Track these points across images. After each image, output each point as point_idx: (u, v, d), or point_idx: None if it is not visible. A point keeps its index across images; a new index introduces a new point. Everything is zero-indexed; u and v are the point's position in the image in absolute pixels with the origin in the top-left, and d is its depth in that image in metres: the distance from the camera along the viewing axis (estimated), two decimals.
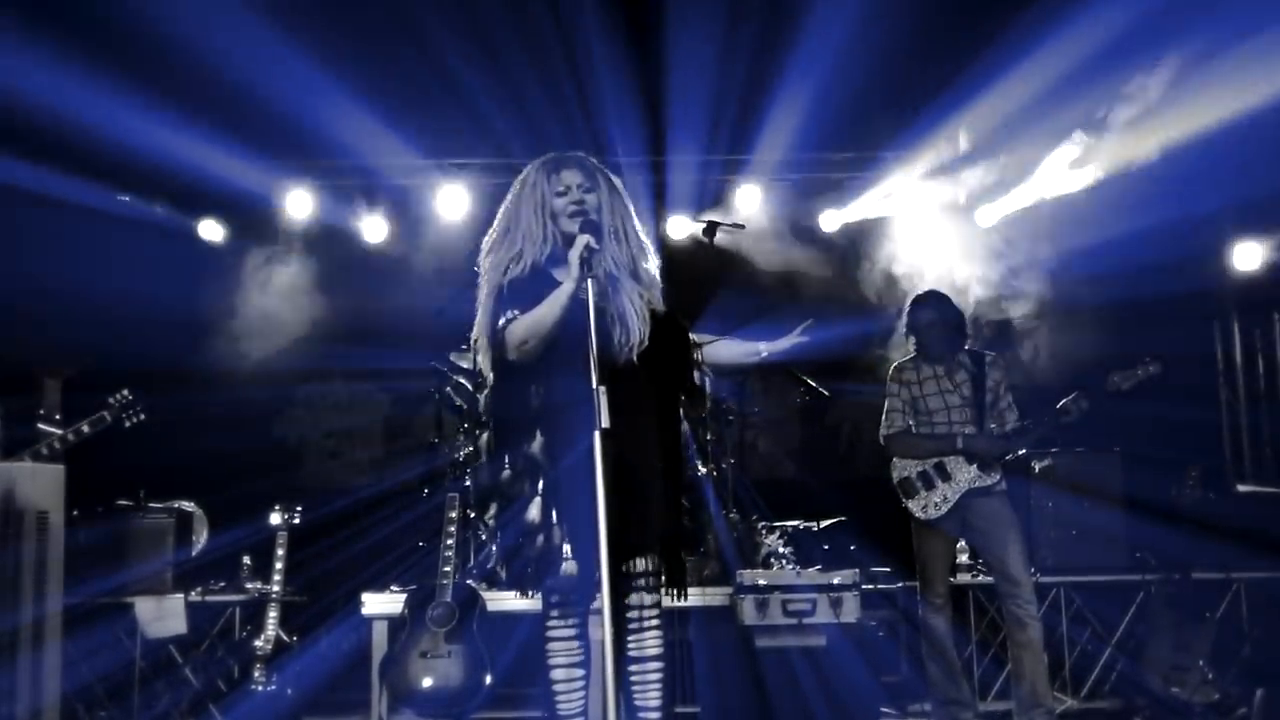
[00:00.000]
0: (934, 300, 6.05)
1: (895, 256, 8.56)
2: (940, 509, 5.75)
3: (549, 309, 3.78)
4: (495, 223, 4.10)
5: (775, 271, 8.65)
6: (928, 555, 5.86)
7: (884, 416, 6.00)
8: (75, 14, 6.22)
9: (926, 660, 5.90)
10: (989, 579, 6.63)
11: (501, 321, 3.87)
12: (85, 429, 5.99)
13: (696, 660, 6.11)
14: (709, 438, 7.15)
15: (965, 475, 5.74)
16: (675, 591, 4.00)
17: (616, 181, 4.09)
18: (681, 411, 4.20)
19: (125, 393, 6.09)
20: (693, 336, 6.93)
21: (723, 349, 7.35)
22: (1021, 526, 5.77)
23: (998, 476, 5.75)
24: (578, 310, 3.67)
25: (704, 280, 7.20)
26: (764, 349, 7.61)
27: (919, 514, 5.80)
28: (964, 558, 6.89)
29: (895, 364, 6.08)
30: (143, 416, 6.10)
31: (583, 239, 3.78)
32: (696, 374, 6.96)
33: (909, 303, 6.11)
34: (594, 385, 3.48)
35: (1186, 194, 7.02)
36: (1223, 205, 7.18)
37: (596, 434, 3.43)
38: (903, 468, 5.88)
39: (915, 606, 6.06)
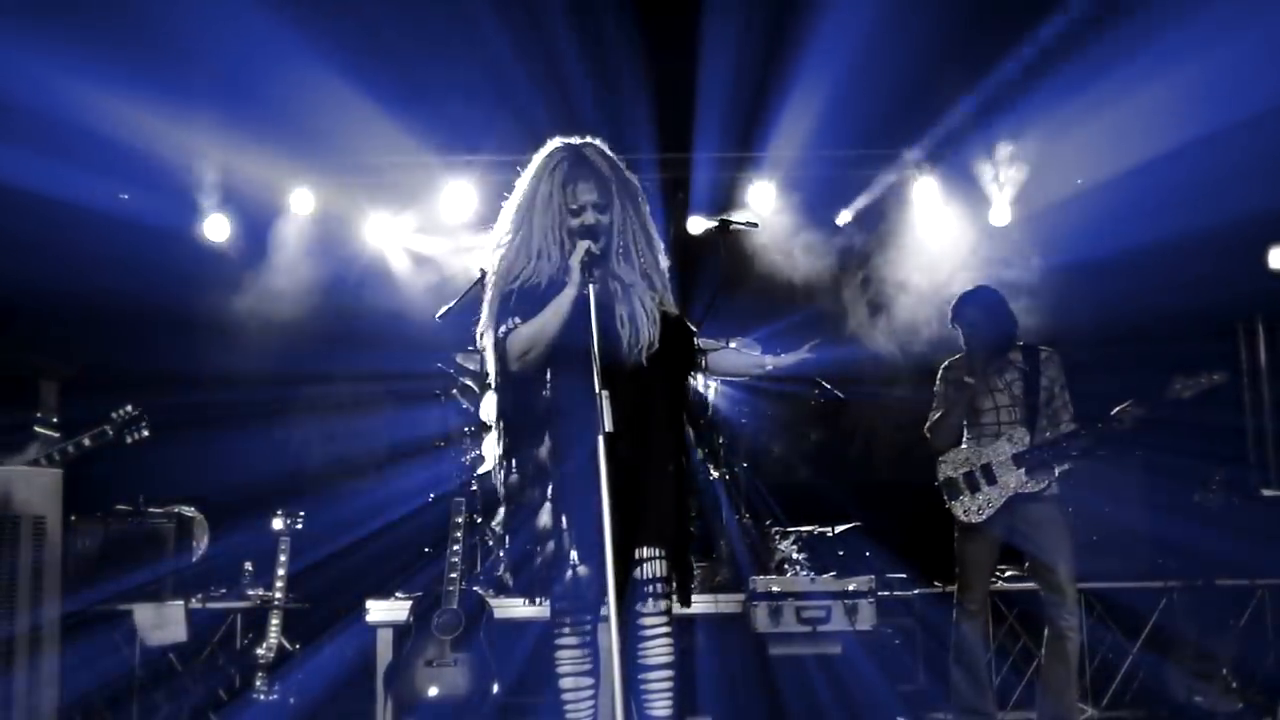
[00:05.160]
0: (982, 297, 5.88)
1: (908, 257, 8.48)
2: (983, 513, 5.61)
3: (550, 318, 3.75)
4: (505, 217, 4.02)
5: (787, 274, 8.56)
6: (968, 559, 5.71)
7: (930, 415, 5.88)
8: (75, 8, 6.15)
9: (952, 666, 5.75)
10: (1008, 585, 6.55)
11: (502, 330, 3.83)
12: (86, 442, 5.92)
13: (708, 669, 6.04)
14: (721, 441, 7.07)
15: (1012, 479, 5.58)
16: (679, 598, 3.90)
17: (633, 185, 4.02)
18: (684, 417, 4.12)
19: (130, 408, 6.02)
20: (699, 342, 6.89)
21: (729, 358, 7.25)
22: (1073, 535, 5.61)
23: (1047, 481, 5.58)
24: (584, 313, 3.61)
25: (714, 280, 7.11)
26: (770, 363, 7.50)
27: (961, 516, 5.67)
28: None
29: (945, 362, 5.95)
30: (146, 434, 6.03)
31: (583, 244, 3.77)
32: (701, 377, 6.88)
33: (956, 299, 5.95)
34: (598, 389, 3.43)
35: (1214, 195, 6.92)
36: (1251, 207, 7.07)
37: (600, 438, 3.39)
38: (948, 468, 5.74)
39: (932, 613, 5.96)
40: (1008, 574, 6.69)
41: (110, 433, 5.95)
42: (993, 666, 6.47)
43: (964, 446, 5.76)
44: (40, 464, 5.74)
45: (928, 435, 5.91)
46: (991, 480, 5.61)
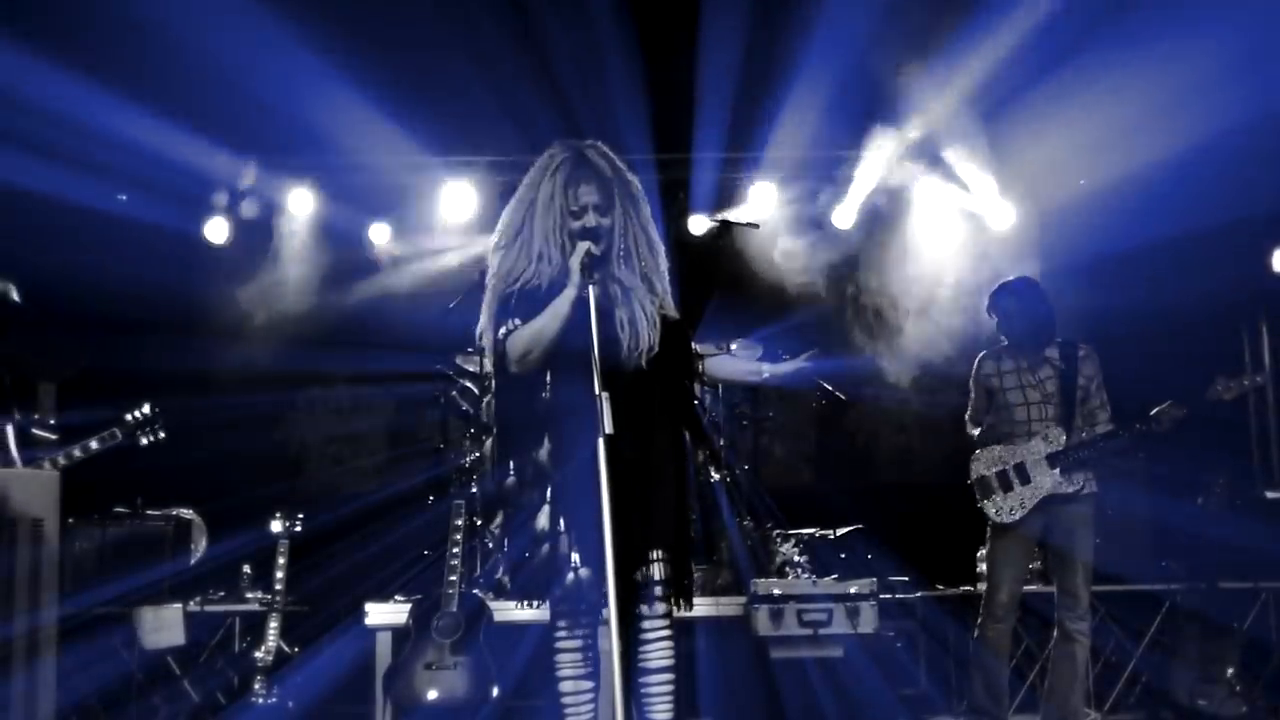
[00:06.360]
0: (1019, 288, 5.77)
1: (908, 257, 8.46)
2: (1015, 513, 5.52)
3: (550, 320, 3.73)
4: (505, 219, 4.00)
5: (787, 274, 8.54)
6: (997, 560, 5.63)
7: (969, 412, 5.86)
8: (73, 9, 6.13)
9: (972, 670, 5.70)
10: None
11: (502, 332, 3.82)
12: (94, 445, 5.86)
13: (709, 672, 6.02)
14: (721, 443, 7.05)
15: (1047, 480, 5.50)
16: (679, 601, 3.88)
17: (635, 187, 3.99)
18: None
19: (145, 410, 5.95)
20: (696, 348, 6.88)
21: (725, 364, 7.25)
22: (1094, 539, 5.55)
23: (1081, 481, 5.50)
24: (584, 315, 3.60)
25: (712, 282, 7.10)
26: (766, 371, 7.50)
27: (993, 516, 5.59)
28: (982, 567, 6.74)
29: (980, 355, 5.87)
30: (162, 435, 5.96)
31: (583, 245, 3.76)
32: (698, 387, 6.86)
33: (994, 288, 5.86)
34: (597, 391, 3.42)
35: (1217, 197, 6.88)
36: (1254, 209, 7.04)
37: (600, 440, 3.37)
38: (981, 466, 5.66)
39: (934, 616, 5.92)
40: None
41: (119, 434, 5.90)
42: None
43: (998, 445, 5.69)
44: (44, 466, 5.71)
45: (968, 427, 5.85)
46: (1025, 479, 5.53)
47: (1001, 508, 5.55)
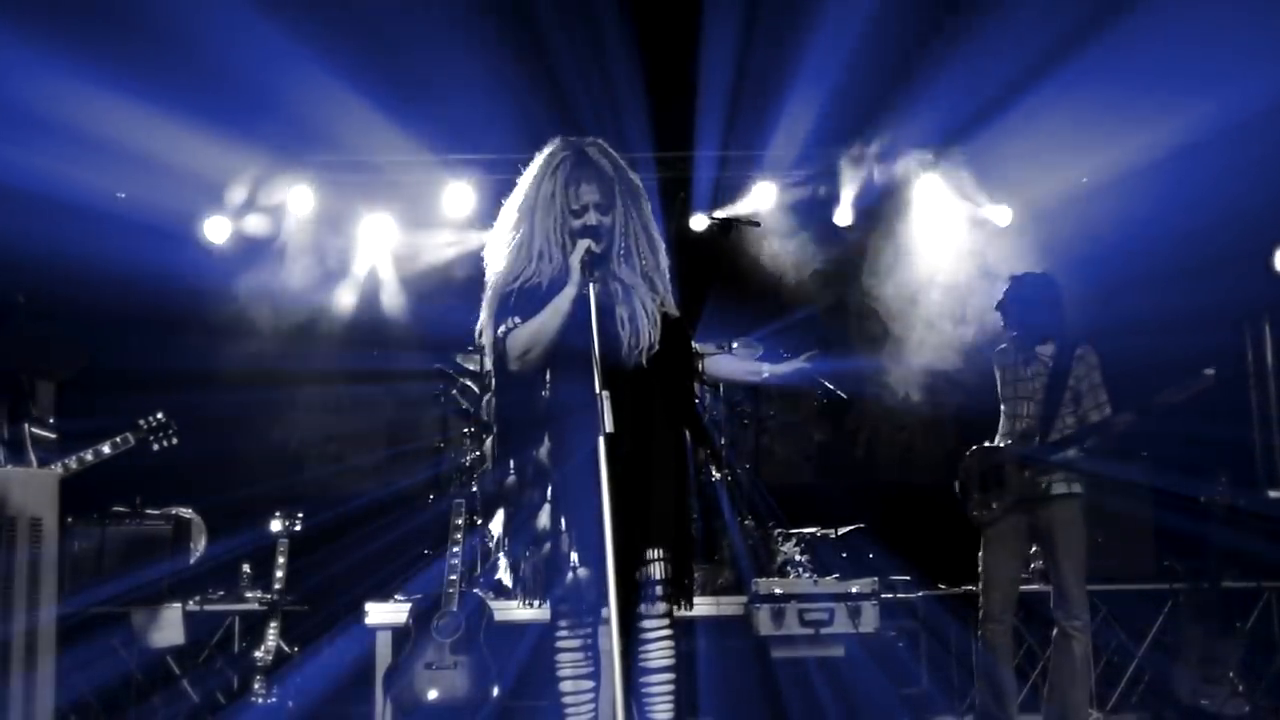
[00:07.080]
0: (1021, 282, 5.76)
1: (908, 256, 8.45)
2: (992, 515, 5.53)
3: (549, 317, 3.72)
4: (505, 217, 3.98)
5: (787, 273, 8.53)
6: (987, 561, 5.63)
7: None
8: (74, 8, 6.13)
9: (977, 675, 5.71)
10: None
11: (502, 330, 3.80)
12: (106, 450, 5.85)
13: (710, 672, 6.01)
14: (722, 442, 7.04)
15: (1017, 481, 5.49)
16: (680, 601, 3.86)
17: (636, 185, 3.98)
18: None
19: (159, 415, 5.95)
20: (696, 346, 6.87)
21: (724, 364, 7.25)
22: (1084, 536, 5.52)
23: (1052, 483, 5.46)
24: (585, 313, 3.58)
25: (713, 280, 7.09)
26: (766, 371, 7.49)
27: (972, 518, 5.60)
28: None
29: (995, 349, 5.86)
30: (175, 440, 5.95)
31: (583, 243, 3.74)
32: (698, 386, 6.85)
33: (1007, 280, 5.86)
34: (598, 389, 3.41)
35: (1220, 196, 6.87)
36: (1258, 207, 7.02)
37: (600, 439, 3.36)
38: (965, 469, 5.67)
39: (935, 615, 5.90)
40: None
41: (132, 439, 5.89)
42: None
43: (986, 444, 5.69)
44: (57, 469, 5.69)
45: None
46: (1000, 481, 5.52)
47: (980, 510, 5.56)
